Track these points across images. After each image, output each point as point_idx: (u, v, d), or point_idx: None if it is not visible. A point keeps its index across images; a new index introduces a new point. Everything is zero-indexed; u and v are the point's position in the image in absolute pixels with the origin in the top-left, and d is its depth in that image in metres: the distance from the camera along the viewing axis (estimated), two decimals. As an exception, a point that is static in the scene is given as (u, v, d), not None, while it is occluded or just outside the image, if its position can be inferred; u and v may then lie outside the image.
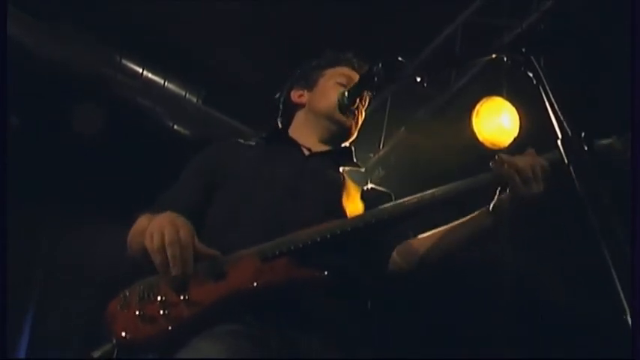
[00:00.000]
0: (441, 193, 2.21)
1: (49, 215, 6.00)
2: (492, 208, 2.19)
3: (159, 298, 1.98)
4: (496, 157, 2.17)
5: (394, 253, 2.38)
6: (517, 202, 2.12)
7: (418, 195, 2.22)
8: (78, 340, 5.49)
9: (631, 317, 1.48)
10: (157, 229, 2.01)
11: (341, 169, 2.59)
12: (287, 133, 2.74)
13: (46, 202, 5.83)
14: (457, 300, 5.87)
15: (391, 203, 2.30)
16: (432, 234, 2.34)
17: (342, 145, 2.71)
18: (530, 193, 2.08)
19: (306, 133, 2.69)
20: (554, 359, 5.60)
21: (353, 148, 2.73)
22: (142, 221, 2.23)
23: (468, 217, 2.26)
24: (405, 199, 2.25)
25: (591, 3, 4.31)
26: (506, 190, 2.17)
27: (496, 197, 2.19)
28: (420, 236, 2.38)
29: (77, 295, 5.65)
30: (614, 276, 1.54)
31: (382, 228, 2.27)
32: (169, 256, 1.97)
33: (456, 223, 2.28)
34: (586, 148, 1.99)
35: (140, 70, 5.29)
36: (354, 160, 2.71)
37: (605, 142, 2.15)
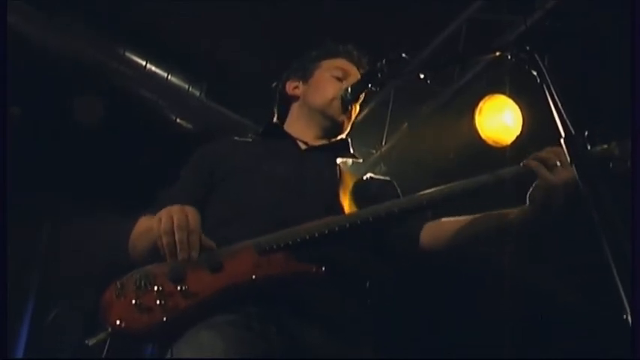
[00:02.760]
0: (454, 188, 2.18)
1: (50, 206, 6.00)
2: (528, 198, 2.13)
3: (155, 288, 1.99)
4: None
5: (422, 234, 2.36)
6: (548, 191, 2.05)
7: (431, 190, 2.20)
8: (78, 334, 5.50)
9: (631, 317, 1.48)
10: (165, 214, 2.05)
11: (339, 160, 2.58)
12: (282, 127, 2.74)
13: (47, 194, 5.83)
14: (457, 299, 5.88)
15: (398, 199, 2.29)
16: (473, 217, 2.28)
17: (337, 138, 2.70)
18: (558, 179, 2.03)
19: (301, 127, 2.68)
20: (554, 359, 5.60)
21: (349, 140, 2.71)
22: (144, 222, 2.23)
23: (515, 210, 2.20)
24: (419, 193, 2.22)
25: (594, 1, 4.30)
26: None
27: (531, 189, 2.14)
28: (451, 218, 2.34)
29: (77, 288, 5.65)
30: (615, 275, 1.54)
31: (381, 224, 2.25)
32: (177, 240, 2.01)
33: (501, 211, 2.23)
34: (589, 147, 1.99)
35: (143, 63, 5.27)
36: (351, 151, 2.69)
37: (602, 147, 2.13)
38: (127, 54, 5.21)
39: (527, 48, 2.05)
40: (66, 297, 5.73)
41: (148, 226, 2.14)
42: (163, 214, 2.06)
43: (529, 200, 2.13)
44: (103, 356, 2.21)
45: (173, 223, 2.02)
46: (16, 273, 5.03)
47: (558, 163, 2.04)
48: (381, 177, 2.68)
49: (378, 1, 4.86)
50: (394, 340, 5.20)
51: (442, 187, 2.19)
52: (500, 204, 2.24)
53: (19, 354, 5.60)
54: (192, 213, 2.07)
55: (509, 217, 2.20)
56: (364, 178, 2.59)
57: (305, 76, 2.75)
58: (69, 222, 5.97)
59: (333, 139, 2.68)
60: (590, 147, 2.04)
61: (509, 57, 2.09)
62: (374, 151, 5.59)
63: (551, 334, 5.68)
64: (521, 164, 2.14)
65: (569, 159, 1.86)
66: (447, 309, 5.96)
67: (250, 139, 2.71)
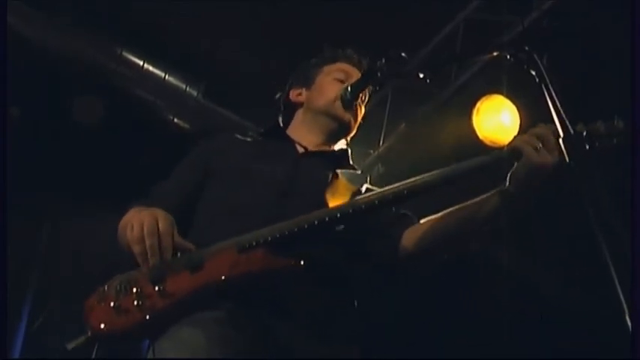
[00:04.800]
0: (450, 171, 2.18)
1: (49, 207, 6.00)
2: (509, 178, 2.13)
3: (134, 290, 2.02)
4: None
5: (402, 239, 2.35)
6: (531, 171, 2.07)
7: (412, 179, 2.20)
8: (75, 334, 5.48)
9: (631, 317, 1.48)
10: (137, 221, 2.09)
11: (338, 172, 2.57)
12: (284, 130, 2.75)
13: (45, 195, 5.83)
14: (455, 299, 5.88)
15: (378, 190, 2.27)
16: (446, 212, 2.29)
17: (341, 141, 2.71)
18: (543, 161, 2.04)
19: (304, 132, 2.69)
20: (555, 359, 5.60)
21: (349, 150, 2.72)
22: (131, 215, 2.24)
23: (491, 194, 2.20)
24: (399, 183, 2.22)
25: (594, 1, 4.30)
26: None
27: (512, 168, 2.14)
28: (429, 218, 2.34)
29: (76, 287, 5.65)
30: (614, 275, 1.54)
31: (363, 216, 2.24)
32: (147, 246, 2.04)
33: (474, 200, 2.23)
34: (587, 147, 2.00)
35: (141, 63, 5.28)
36: (350, 162, 2.69)
37: (590, 125, 2.14)
38: (124, 54, 5.21)
39: (526, 48, 2.05)
40: (65, 297, 5.72)
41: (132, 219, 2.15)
42: (134, 220, 2.10)
43: (510, 179, 2.13)
44: (93, 356, 2.23)
45: (143, 230, 2.06)
46: (15, 273, 5.02)
47: (541, 146, 2.06)
48: (377, 189, 2.67)
49: (378, 1, 4.86)
50: (383, 338, 5.21)
51: (422, 175, 2.19)
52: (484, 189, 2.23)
53: (19, 354, 5.60)
54: (162, 217, 2.10)
55: (488, 203, 2.19)
56: (361, 189, 2.59)
57: (307, 82, 2.77)
58: (69, 222, 5.97)
59: (334, 147, 2.69)
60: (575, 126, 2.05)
61: (507, 57, 2.09)
62: (371, 152, 5.59)
63: (550, 334, 5.68)
64: (506, 147, 2.14)
65: (567, 158, 1.87)
66: (440, 308, 5.96)
67: (250, 139, 2.72)
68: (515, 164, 2.12)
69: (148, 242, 2.04)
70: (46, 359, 5.66)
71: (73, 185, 5.79)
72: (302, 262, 2.06)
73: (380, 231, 2.38)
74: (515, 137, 2.15)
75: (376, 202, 2.19)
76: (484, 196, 2.21)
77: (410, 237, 2.35)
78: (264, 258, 2.08)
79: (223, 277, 2.05)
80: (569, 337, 5.60)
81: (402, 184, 2.20)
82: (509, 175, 2.14)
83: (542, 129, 2.08)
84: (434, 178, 2.18)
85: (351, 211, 2.18)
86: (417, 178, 2.19)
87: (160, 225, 2.07)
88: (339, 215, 2.17)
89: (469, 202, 2.24)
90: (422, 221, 2.36)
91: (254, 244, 2.10)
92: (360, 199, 2.21)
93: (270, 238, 2.11)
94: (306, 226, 2.13)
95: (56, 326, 5.73)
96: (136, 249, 2.05)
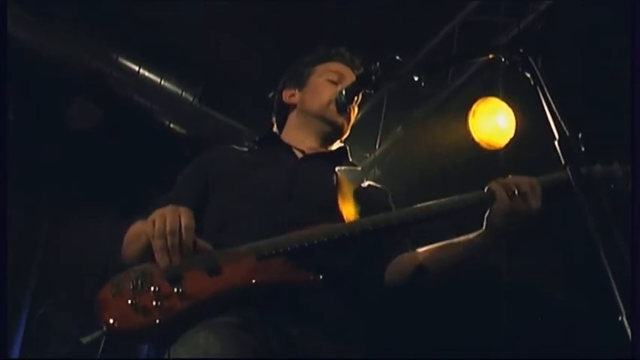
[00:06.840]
0: (438, 205, 2.21)
1: (46, 212, 6.00)
2: (485, 224, 2.18)
3: (152, 288, 1.98)
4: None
5: (391, 265, 2.36)
6: (503, 216, 2.11)
7: (416, 206, 2.23)
8: (76, 334, 5.48)
9: (631, 317, 1.48)
10: (158, 216, 2.06)
11: (337, 169, 2.58)
12: (280, 136, 2.74)
13: (42, 200, 5.83)
14: (456, 300, 5.87)
15: (391, 213, 2.32)
16: (432, 247, 2.31)
17: (336, 143, 2.70)
18: (514, 208, 2.09)
19: (299, 135, 2.68)
20: (555, 359, 5.60)
21: (348, 148, 2.71)
22: (137, 226, 2.23)
23: (472, 235, 2.23)
24: (403, 209, 2.26)
25: (590, 2, 4.31)
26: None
27: (487, 213, 2.17)
28: (417, 250, 2.36)
29: (75, 290, 5.65)
30: (612, 277, 1.54)
31: (378, 235, 2.28)
32: (169, 245, 2.02)
33: (459, 239, 2.26)
34: (583, 149, 2.00)
35: (137, 69, 5.27)
36: (350, 159, 2.69)
37: (605, 167, 2.17)
38: (120, 59, 5.21)
39: (521, 50, 2.06)
40: (64, 297, 5.72)
41: (140, 231, 2.15)
42: (157, 215, 2.07)
43: (486, 224, 2.17)
44: (99, 356, 2.22)
45: (166, 225, 2.03)
46: (15, 273, 5.01)
47: (516, 192, 2.10)
48: (378, 185, 2.68)
49: (375, 3, 4.87)
50: (386, 342, 5.21)
51: (441, 200, 2.22)
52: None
53: (19, 354, 5.59)
54: (185, 214, 2.08)
55: (471, 243, 2.23)
56: (362, 185, 2.60)
57: (300, 83, 2.75)
58: (65, 224, 5.96)
59: (331, 148, 2.68)
60: (593, 165, 2.09)
61: (503, 59, 2.10)
62: (368, 155, 5.59)
63: (551, 334, 5.69)
64: (486, 189, 2.18)
65: (562, 161, 1.87)
66: (446, 309, 5.95)
67: (247, 148, 2.71)
68: (490, 208, 2.15)
69: (169, 240, 2.02)
70: (46, 359, 5.66)
71: (70, 189, 5.78)
72: (320, 277, 2.07)
73: (374, 254, 2.39)
74: (494, 180, 2.18)
75: (395, 222, 2.22)
76: (468, 236, 2.24)
77: (393, 268, 2.36)
78: (283, 268, 2.08)
79: (247, 283, 2.04)
80: (570, 338, 5.60)
81: (419, 207, 2.22)
82: (485, 218, 2.17)
83: (522, 178, 2.13)
84: (447, 205, 2.21)
85: (370, 228, 2.19)
86: (435, 202, 2.22)
87: (183, 221, 2.05)
88: (358, 232, 2.18)
89: (459, 240, 2.26)
90: (419, 250, 2.37)
91: (273, 252, 2.09)
92: (380, 218, 2.23)
93: (289, 248, 2.10)
94: (326, 240, 2.13)
95: (56, 326, 5.72)
96: (157, 244, 2.02)
